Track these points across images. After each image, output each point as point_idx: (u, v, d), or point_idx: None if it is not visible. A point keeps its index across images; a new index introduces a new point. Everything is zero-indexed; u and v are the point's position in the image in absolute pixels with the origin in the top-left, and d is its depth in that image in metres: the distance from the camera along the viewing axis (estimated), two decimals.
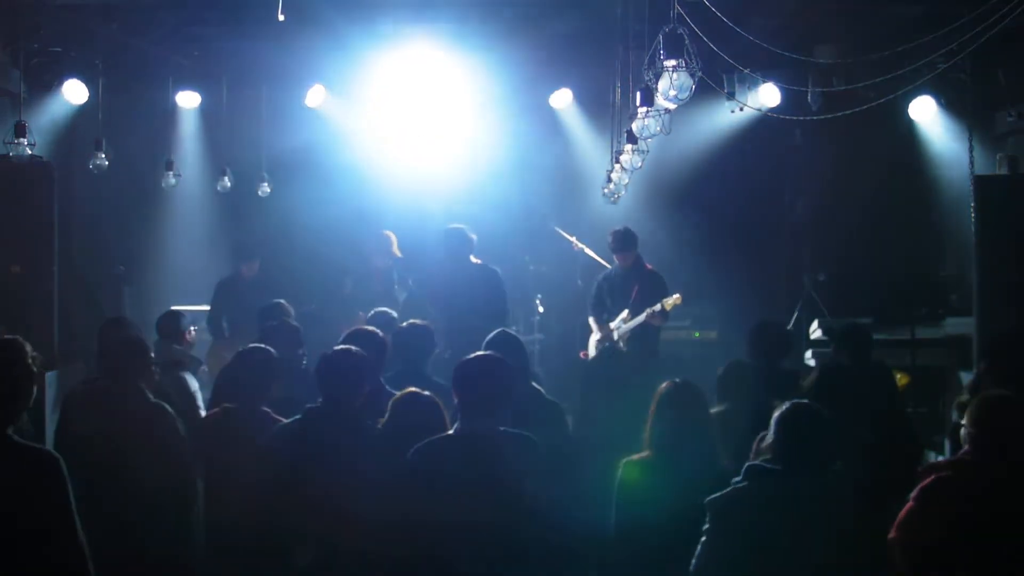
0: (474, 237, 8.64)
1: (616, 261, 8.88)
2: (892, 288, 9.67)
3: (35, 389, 3.50)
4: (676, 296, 8.44)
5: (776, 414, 3.98)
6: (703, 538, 3.96)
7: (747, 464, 3.99)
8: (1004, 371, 5.20)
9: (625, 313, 8.64)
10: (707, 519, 3.94)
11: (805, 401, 4.10)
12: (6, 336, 3.54)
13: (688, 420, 4.43)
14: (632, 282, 8.68)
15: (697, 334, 9.81)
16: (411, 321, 6.27)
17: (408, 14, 8.94)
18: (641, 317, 8.51)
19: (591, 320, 9.00)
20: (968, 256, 8.80)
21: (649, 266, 8.87)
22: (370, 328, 5.81)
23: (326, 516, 4.42)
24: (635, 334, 8.56)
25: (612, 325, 8.72)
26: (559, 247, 10.51)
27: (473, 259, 8.59)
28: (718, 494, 3.94)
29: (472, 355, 4.56)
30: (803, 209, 10.48)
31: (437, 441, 4.33)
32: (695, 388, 4.52)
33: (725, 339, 9.79)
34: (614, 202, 9.22)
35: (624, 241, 8.72)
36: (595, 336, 8.99)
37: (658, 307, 8.41)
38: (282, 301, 6.87)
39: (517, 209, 11.11)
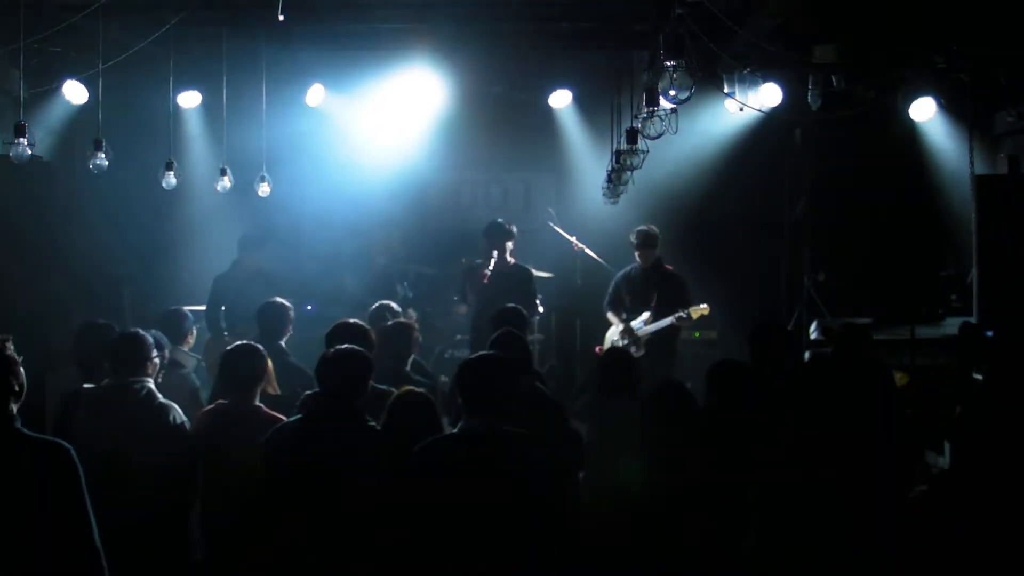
0: (513, 229, 8.90)
1: (637, 259, 8.97)
2: (892, 288, 9.67)
3: (24, 384, 3.51)
4: (704, 306, 8.66)
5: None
6: None
7: None
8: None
9: (647, 315, 8.73)
10: None
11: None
12: None
13: (679, 421, 4.44)
14: (653, 282, 8.80)
15: (697, 334, 9.81)
16: (397, 320, 6.37)
17: (408, 13, 8.94)
18: (667, 321, 8.62)
19: (610, 315, 9.06)
20: (968, 256, 8.80)
21: (669, 267, 8.95)
22: (354, 321, 5.88)
23: (328, 514, 4.44)
24: (655, 337, 8.67)
25: (633, 325, 8.80)
26: (559, 247, 10.52)
27: (509, 257, 8.78)
28: None
29: (474, 355, 4.57)
30: (803, 209, 10.47)
31: (440, 440, 4.34)
32: (686, 390, 4.54)
33: (725, 339, 9.80)
34: (614, 202, 9.23)
35: (649, 239, 8.86)
36: (613, 331, 9.04)
37: (684, 314, 8.56)
38: (283, 300, 6.86)
39: (517, 209, 11.11)
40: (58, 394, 6.68)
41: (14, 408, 3.43)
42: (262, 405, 5.12)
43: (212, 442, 5.06)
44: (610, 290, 9.14)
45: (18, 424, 3.41)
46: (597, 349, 9.30)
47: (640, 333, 8.75)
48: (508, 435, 4.28)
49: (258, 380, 5.18)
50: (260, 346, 5.41)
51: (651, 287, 8.81)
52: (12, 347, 3.55)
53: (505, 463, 4.21)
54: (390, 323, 6.38)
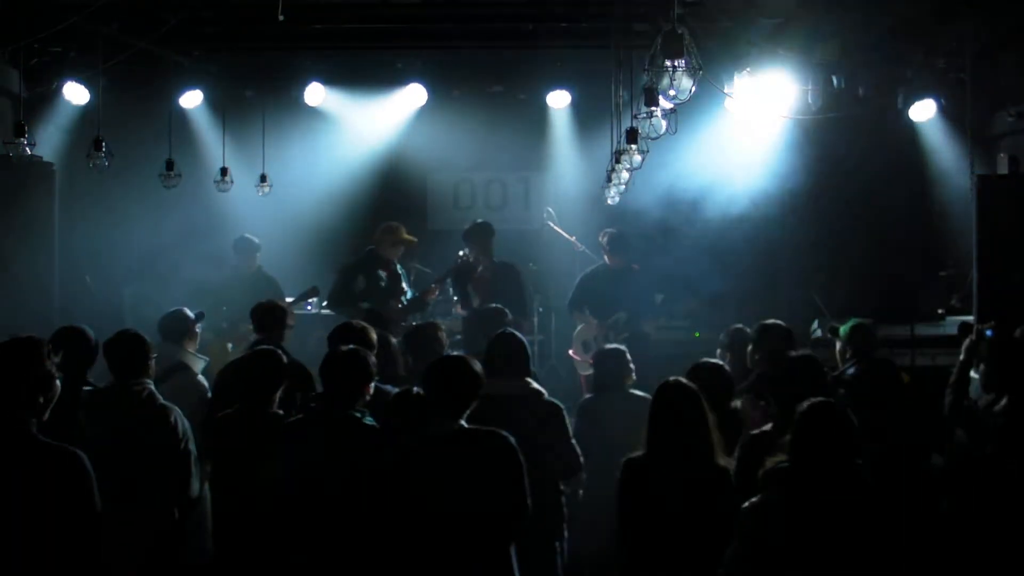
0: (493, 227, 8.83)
1: (607, 260, 9.01)
2: (892, 288, 9.67)
3: (57, 388, 3.51)
4: (695, 304, 8.85)
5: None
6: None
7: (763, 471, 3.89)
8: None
9: (622, 315, 8.76)
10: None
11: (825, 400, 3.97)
12: (26, 335, 3.54)
13: (684, 419, 4.43)
14: (622, 282, 8.79)
15: (697, 334, 9.81)
16: (429, 321, 6.34)
17: (408, 13, 8.94)
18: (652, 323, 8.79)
19: (576, 316, 9.10)
20: (968, 256, 8.80)
21: (635, 266, 8.98)
22: (356, 322, 5.86)
23: (329, 513, 4.45)
24: (632, 338, 8.70)
25: (609, 323, 8.81)
26: (559, 247, 10.52)
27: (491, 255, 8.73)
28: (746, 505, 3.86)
29: (439, 357, 4.63)
30: (803, 208, 10.46)
31: (412, 442, 4.36)
32: (691, 387, 4.52)
33: None
34: (614, 202, 9.24)
35: (622, 243, 8.89)
36: (582, 332, 9.06)
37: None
38: (278, 301, 6.86)
39: (517, 209, 11.12)
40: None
41: (34, 419, 3.43)
42: (280, 412, 5.05)
43: (231, 446, 4.98)
44: (575, 291, 9.16)
45: (34, 430, 3.41)
46: (571, 352, 9.28)
47: (614, 335, 8.77)
48: (474, 434, 4.31)
49: (276, 385, 5.08)
50: (279, 350, 5.39)
51: (621, 287, 8.83)
52: (54, 359, 3.52)
53: (471, 462, 4.24)
54: (420, 323, 6.37)
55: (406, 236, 8.89)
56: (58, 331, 5.31)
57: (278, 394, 5.09)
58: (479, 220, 8.97)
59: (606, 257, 9.03)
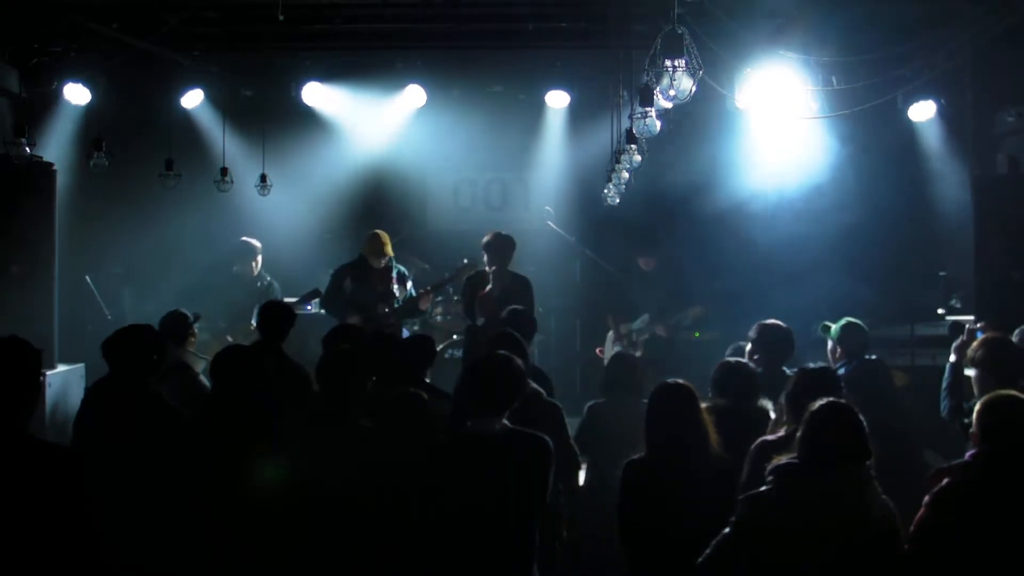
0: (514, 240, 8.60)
1: (640, 264, 9.23)
2: (892, 288, 9.67)
3: (43, 386, 3.52)
4: (701, 308, 8.93)
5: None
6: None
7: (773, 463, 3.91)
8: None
9: (646, 317, 8.84)
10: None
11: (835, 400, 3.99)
12: (10, 335, 3.54)
13: (683, 419, 4.44)
14: (656, 285, 8.89)
15: (698, 334, 9.83)
16: (416, 332, 6.34)
17: (408, 12, 8.93)
18: (673, 322, 8.91)
19: (611, 320, 9.17)
20: (968, 256, 8.80)
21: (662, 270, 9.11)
22: (351, 323, 5.87)
23: (326, 513, 4.45)
24: (653, 338, 8.79)
25: (634, 327, 8.88)
26: (558, 247, 10.52)
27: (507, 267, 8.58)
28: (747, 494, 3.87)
29: (481, 355, 4.59)
30: (801, 209, 10.46)
31: (447, 440, 4.35)
32: (689, 388, 4.53)
33: (726, 340, 9.78)
34: (614, 203, 9.25)
35: (652, 244, 9.11)
36: (613, 335, 9.16)
37: (688, 320, 8.92)
38: (284, 301, 6.87)
39: (517, 209, 11.12)
40: (54, 394, 6.70)
41: (27, 416, 3.43)
42: (263, 410, 5.04)
43: (219, 445, 4.98)
44: (615, 295, 9.24)
45: (29, 431, 3.41)
46: (598, 351, 9.36)
47: (637, 335, 8.85)
48: (515, 435, 4.29)
49: (249, 381, 5.03)
50: (250, 347, 5.38)
51: (653, 289, 8.91)
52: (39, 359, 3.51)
53: (510, 462, 4.22)
54: (416, 334, 6.37)
55: (385, 247, 8.86)
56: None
57: (253, 390, 5.01)
58: (501, 231, 8.64)
59: (641, 261, 9.22)
